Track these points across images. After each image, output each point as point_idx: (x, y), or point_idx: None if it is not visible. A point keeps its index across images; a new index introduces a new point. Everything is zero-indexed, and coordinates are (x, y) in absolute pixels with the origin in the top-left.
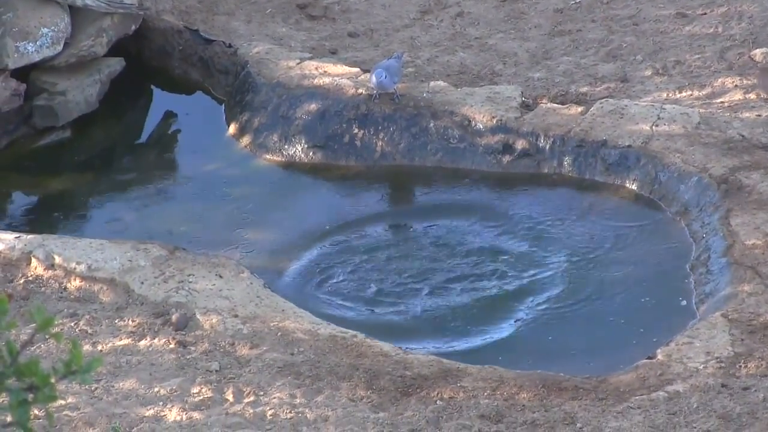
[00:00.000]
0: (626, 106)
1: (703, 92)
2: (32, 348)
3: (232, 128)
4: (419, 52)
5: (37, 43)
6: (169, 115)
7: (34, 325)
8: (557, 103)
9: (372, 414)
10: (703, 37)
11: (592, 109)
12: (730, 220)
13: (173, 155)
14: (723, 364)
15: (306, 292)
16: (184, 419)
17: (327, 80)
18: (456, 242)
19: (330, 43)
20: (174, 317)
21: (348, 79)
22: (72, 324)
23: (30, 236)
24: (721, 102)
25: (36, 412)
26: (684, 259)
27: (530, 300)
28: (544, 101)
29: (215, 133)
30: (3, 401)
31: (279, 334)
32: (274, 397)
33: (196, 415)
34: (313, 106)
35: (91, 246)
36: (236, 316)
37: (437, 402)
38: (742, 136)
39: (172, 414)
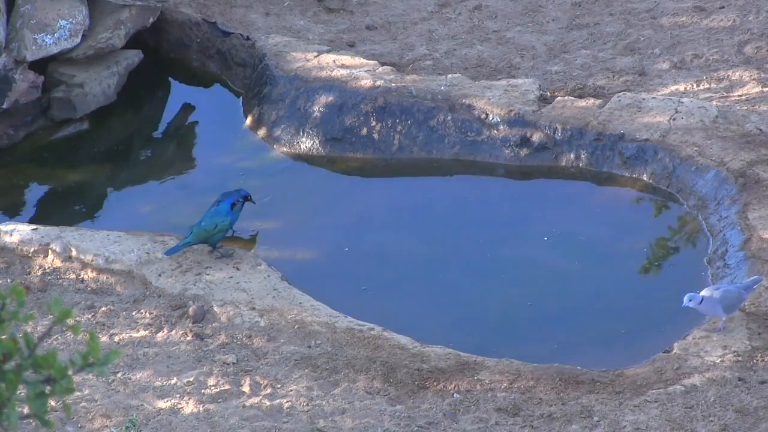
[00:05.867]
0: (644, 99)
1: (721, 86)
2: (50, 340)
3: (249, 120)
4: (437, 45)
5: (55, 35)
6: (187, 107)
7: (51, 317)
8: (575, 96)
9: (389, 407)
10: (720, 30)
11: (609, 102)
12: (747, 213)
13: (190, 147)
14: (740, 358)
15: (323, 284)
16: (201, 411)
17: (344, 73)
18: (469, 233)
19: (348, 35)
20: (191, 309)
21: (366, 71)
22: (89, 316)
23: (47, 228)
24: (739, 95)
25: (53, 403)
26: (701, 252)
27: (545, 292)
28: (561, 94)
29: (232, 125)
30: (21, 393)
31: (296, 326)
32: (291, 390)
33: (212, 407)
34: (330, 99)
35: (108, 238)
36: (253, 308)
37: (454, 395)
38: (760, 129)
39: (189, 406)
